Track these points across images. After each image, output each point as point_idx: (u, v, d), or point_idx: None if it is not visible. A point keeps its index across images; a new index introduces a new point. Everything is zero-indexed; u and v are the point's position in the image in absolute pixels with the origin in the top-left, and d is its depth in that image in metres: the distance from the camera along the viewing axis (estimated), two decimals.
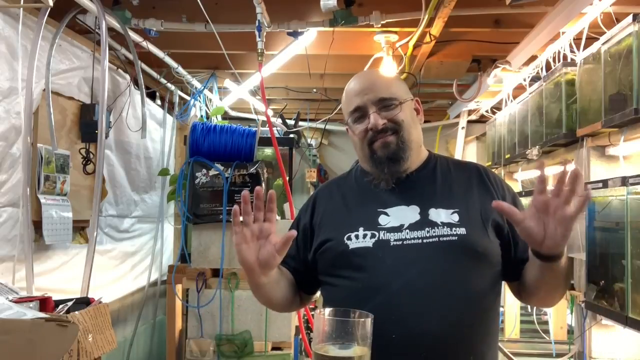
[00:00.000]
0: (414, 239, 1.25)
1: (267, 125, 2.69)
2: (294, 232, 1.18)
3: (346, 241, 1.29)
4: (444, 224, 1.26)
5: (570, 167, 1.10)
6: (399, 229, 1.27)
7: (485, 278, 1.27)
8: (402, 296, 1.21)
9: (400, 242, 1.26)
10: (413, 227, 1.27)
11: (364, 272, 1.26)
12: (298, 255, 1.41)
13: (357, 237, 1.28)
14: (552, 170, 3.10)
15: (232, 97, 3.99)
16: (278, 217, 2.90)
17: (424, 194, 1.33)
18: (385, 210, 1.31)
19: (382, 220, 1.29)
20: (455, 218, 1.27)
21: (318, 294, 1.50)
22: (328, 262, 1.33)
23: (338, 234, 1.31)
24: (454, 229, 1.26)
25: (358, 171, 1.45)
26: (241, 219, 1.19)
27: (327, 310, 1.10)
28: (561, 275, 1.24)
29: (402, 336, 1.19)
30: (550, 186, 1.12)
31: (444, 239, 1.25)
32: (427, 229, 1.26)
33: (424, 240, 1.25)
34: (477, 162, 1.50)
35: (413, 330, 1.19)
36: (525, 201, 2.85)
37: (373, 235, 1.27)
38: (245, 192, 1.18)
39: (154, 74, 3.35)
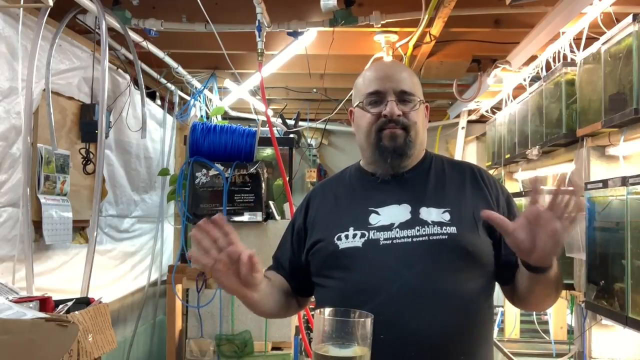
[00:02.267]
0: (403, 237, 1.24)
1: (267, 125, 2.69)
2: (253, 251, 1.13)
3: (336, 241, 1.28)
4: (434, 223, 1.25)
5: (571, 172, 1.07)
6: (389, 227, 1.26)
7: (476, 277, 1.26)
8: (390, 296, 1.20)
9: (390, 242, 1.24)
10: (403, 226, 1.25)
11: (352, 272, 1.25)
12: (294, 258, 1.40)
13: (347, 237, 1.27)
14: (552, 170, 3.11)
15: (232, 97, 3.98)
16: (278, 217, 2.90)
17: (415, 192, 1.32)
18: (376, 209, 1.30)
19: (373, 219, 1.28)
20: (446, 217, 1.26)
21: None
22: (319, 262, 1.32)
23: (329, 234, 1.30)
24: (444, 227, 1.24)
25: (352, 170, 1.44)
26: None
27: (327, 310, 1.09)
28: (551, 285, 1.23)
29: (390, 336, 1.17)
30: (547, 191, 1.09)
31: (434, 237, 1.23)
32: (417, 227, 1.25)
33: (414, 239, 1.24)
34: (472, 163, 1.49)
35: (402, 331, 1.18)
36: (525, 202, 2.87)
37: (363, 235, 1.26)
38: (193, 232, 1.13)
39: (154, 74, 3.35)
